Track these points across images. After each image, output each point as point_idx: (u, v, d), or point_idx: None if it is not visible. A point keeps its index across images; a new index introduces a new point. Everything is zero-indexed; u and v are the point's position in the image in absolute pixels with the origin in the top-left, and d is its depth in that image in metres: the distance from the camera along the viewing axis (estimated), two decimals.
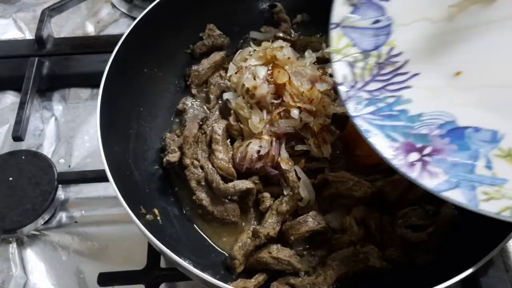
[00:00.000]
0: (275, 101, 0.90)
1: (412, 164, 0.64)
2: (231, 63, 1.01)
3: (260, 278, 0.78)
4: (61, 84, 1.21)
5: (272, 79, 0.91)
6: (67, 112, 1.17)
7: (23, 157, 1.02)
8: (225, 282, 0.67)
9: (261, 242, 0.81)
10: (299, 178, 0.86)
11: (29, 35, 1.33)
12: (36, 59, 1.17)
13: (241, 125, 0.92)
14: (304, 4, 1.11)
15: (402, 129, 0.67)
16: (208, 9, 1.05)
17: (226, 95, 0.96)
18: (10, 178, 0.99)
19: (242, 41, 1.09)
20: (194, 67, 1.03)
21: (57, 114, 1.17)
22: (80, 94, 1.20)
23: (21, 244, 0.96)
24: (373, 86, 0.71)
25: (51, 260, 0.95)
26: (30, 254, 0.95)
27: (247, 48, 1.04)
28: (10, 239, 0.97)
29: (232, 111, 0.93)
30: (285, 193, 0.86)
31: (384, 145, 0.66)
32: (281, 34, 1.07)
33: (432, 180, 0.62)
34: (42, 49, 1.22)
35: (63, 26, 1.35)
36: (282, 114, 0.89)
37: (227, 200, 0.87)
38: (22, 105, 1.08)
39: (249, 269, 0.81)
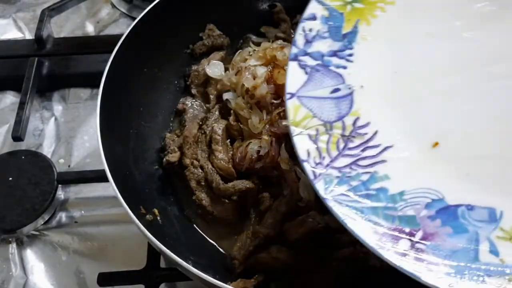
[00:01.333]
0: (275, 101, 0.90)
1: (404, 254, 0.53)
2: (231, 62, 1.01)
3: (260, 278, 0.78)
4: (61, 84, 1.20)
5: (272, 79, 0.91)
6: (67, 112, 1.17)
7: (23, 157, 1.02)
8: (225, 282, 0.67)
9: (261, 242, 0.81)
10: (299, 178, 0.86)
11: (29, 35, 1.33)
12: (36, 59, 1.16)
13: (241, 125, 0.92)
14: (304, 4, 1.11)
15: (384, 211, 0.57)
16: (208, 9, 1.05)
17: (226, 95, 0.96)
18: (10, 178, 0.99)
19: (242, 41, 1.09)
20: (194, 67, 1.03)
21: (57, 114, 1.17)
22: (80, 94, 1.20)
23: (20, 244, 0.96)
24: (342, 162, 0.62)
25: (51, 260, 0.95)
26: (30, 254, 0.95)
27: (246, 48, 1.04)
28: (10, 239, 0.97)
29: (232, 111, 0.93)
30: (285, 193, 0.85)
31: (366, 231, 0.55)
32: (281, 34, 1.07)
33: (432, 273, 0.52)
34: (42, 49, 1.21)
35: (63, 26, 1.35)
36: (282, 114, 0.89)
37: (227, 200, 0.87)
38: (22, 105, 1.08)
39: (249, 269, 0.81)
